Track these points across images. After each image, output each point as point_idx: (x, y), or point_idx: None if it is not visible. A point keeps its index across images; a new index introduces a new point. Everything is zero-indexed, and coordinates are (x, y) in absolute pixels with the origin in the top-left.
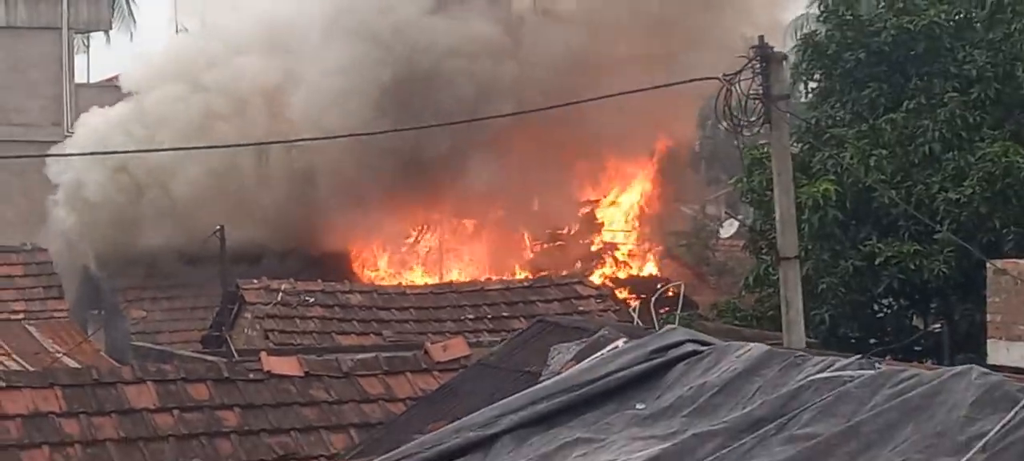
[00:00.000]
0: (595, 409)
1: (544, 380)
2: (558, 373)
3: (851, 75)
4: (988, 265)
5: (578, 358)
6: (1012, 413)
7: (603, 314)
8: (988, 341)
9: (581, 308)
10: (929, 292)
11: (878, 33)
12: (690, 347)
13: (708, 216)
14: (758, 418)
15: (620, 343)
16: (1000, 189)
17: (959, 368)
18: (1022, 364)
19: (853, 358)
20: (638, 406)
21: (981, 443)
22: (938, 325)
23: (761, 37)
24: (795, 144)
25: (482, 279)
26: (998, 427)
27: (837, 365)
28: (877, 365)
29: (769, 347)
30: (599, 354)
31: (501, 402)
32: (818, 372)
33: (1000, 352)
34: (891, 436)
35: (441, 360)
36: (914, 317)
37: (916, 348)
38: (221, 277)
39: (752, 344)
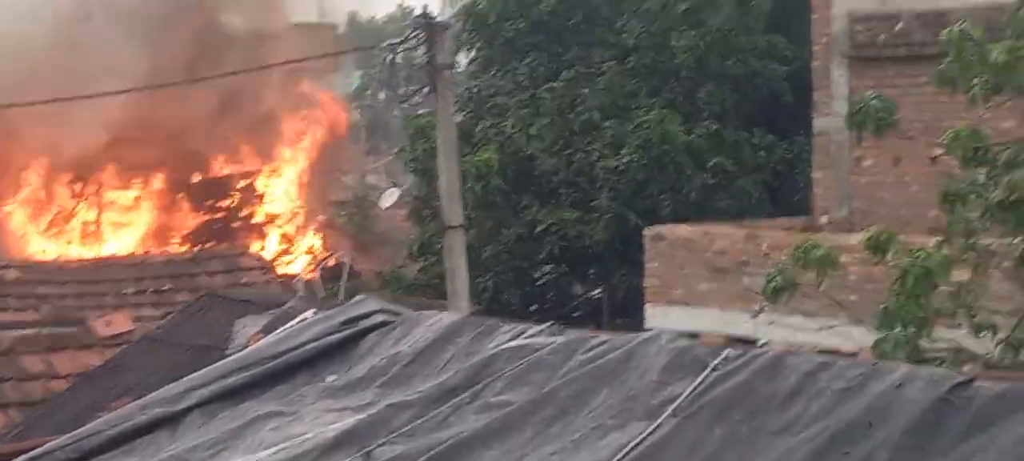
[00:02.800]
0: (286, 382)
1: (230, 354)
2: (245, 347)
3: (512, 45)
4: (645, 230)
5: (266, 331)
6: (702, 376)
7: (267, 286)
8: (646, 306)
9: (245, 280)
10: (589, 258)
11: (537, 3)
12: (381, 317)
13: (369, 185)
14: (452, 387)
15: (309, 314)
16: (656, 156)
17: (649, 333)
18: (677, 328)
19: (544, 326)
20: (329, 378)
21: (673, 406)
22: (598, 291)
23: (425, 7)
24: (458, 113)
25: (143, 252)
26: (689, 390)
27: (528, 332)
28: (568, 332)
29: (461, 315)
30: (288, 326)
31: (188, 377)
32: (510, 340)
33: (657, 316)
34: (584, 402)
35: (105, 335)
36: (574, 283)
37: (575, 314)
38: None
39: (444, 313)
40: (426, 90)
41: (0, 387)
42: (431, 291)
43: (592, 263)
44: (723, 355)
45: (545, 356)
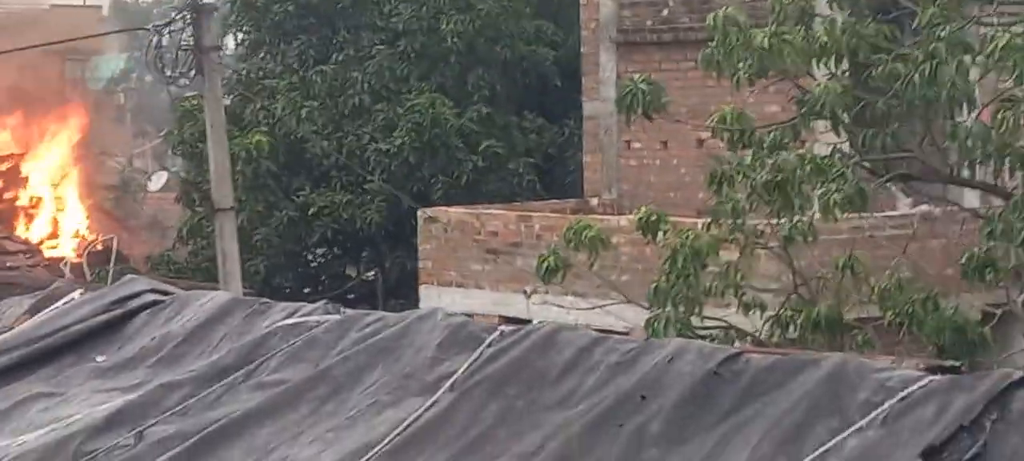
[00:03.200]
0: (53, 363)
1: None
2: (10, 328)
3: (281, 27)
4: (419, 213)
5: (32, 312)
6: (478, 352)
7: (33, 270)
8: (420, 287)
9: (9, 264)
10: (362, 241)
11: None
12: (151, 297)
13: (136, 169)
14: (225, 366)
15: (76, 295)
16: (428, 139)
17: (424, 310)
18: (451, 309)
19: (319, 304)
20: (98, 358)
21: (449, 382)
22: (371, 273)
23: None
24: (227, 96)
25: None
26: (465, 366)
27: (302, 311)
28: (342, 310)
29: (233, 295)
30: (54, 307)
31: None
32: (284, 318)
33: (432, 298)
34: (360, 379)
35: None
36: (348, 266)
37: (350, 296)
38: None
39: (216, 292)
40: (193, 73)
41: None
42: (202, 275)
43: (365, 246)
44: (498, 331)
45: (320, 334)
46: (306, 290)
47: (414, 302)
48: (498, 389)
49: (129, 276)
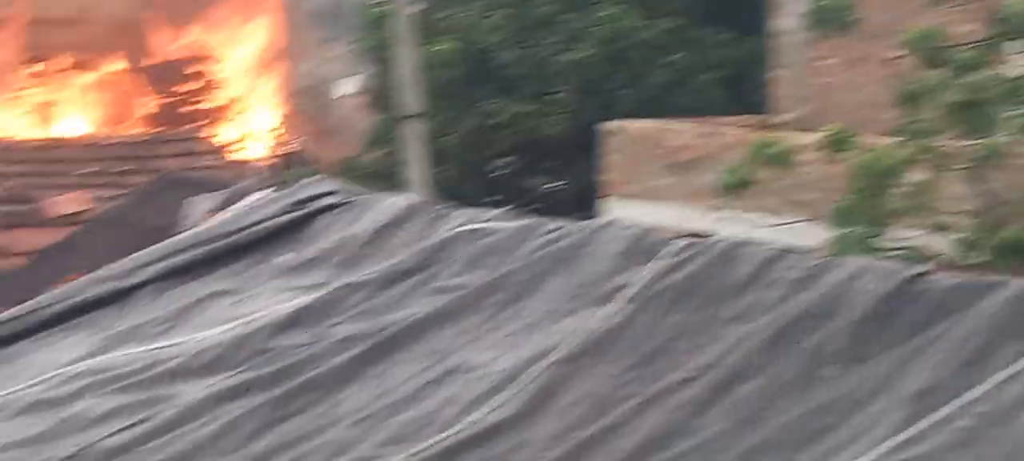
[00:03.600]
0: (239, 260)
1: (182, 232)
2: (197, 225)
3: None
4: (603, 126)
5: (218, 210)
6: (658, 263)
7: (223, 170)
8: (602, 200)
9: (201, 164)
10: (545, 152)
11: None
12: (335, 198)
13: (327, 74)
14: (405, 269)
15: (262, 194)
16: (616, 51)
17: (605, 220)
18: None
19: (500, 210)
20: (284, 257)
21: (628, 292)
22: (554, 185)
23: None
24: (416, 2)
25: (98, 134)
26: (644, 277)
27: (484, 217)
28: (523, 218)
29: (416, 199)
30: (241, 205)
31: (139, 253)
32: (465, 224)
33: (614, 211)
34: (538, 287)
35: (59, 214)
36: (530, 177)
37: (532, 208)
38: None
39: (399, 196)
40: None
41: None
42: (387, 180)
43: (548, 157)
44: (679, 243)
45: (500, 240)
46: (488, 200)
47: (597, 215)
48: (677, 301)
49: (315, 177)
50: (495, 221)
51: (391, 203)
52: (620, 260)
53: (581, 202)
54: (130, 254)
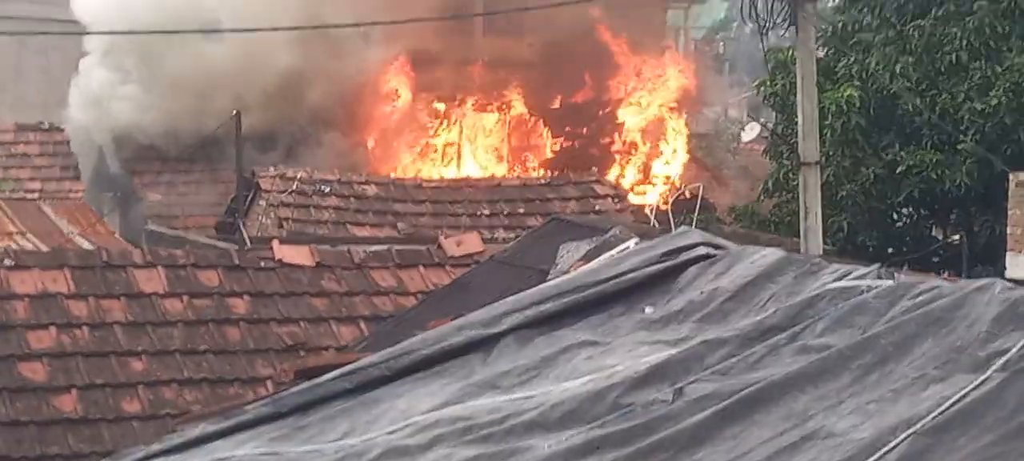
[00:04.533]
0: (602, 311)
1: (552, 279)
2: (566, 272)
3: None
4: (1011, 176)
5: (587, 258)
6: None
7: (619, 214)
8: (1007, 254)
9: (598, 208)
10: (950, 202)
11: None
12: (703, 250)
13: (730, 119)
14: (770, 326)
15: (631, 244)
16: None
17: (982, 281)
18: None
19: (871, 268)
20: (647, 309)
21: (1002, 360)
22: (957, 236)
23: None
24: (820, 48)
25: (500, 176)
26: (1020, 344)
27: (854, 274)
28: (896, 276)
29: (785, 253)
30: (609, 254)
31: (505, 300)
32: (834, 281)
33: (1020, 265)
34: (907, 350)
35: (454, 255)
36: (933, 228)
37: (934, 259)
38: (237, 163)
39: (767, 249)
40: (788, 23)
41: (351, 300)
42: (784, 229)
43: (953, 208)
44: None
45: (870, 299)
46: (890, 250)
47: (1000, 269)
48: None
49: (683, 228)
50: (866, 278)
51: (761, 257)
52: (995, 324)
53: (985, 255)
54: (507, 298)
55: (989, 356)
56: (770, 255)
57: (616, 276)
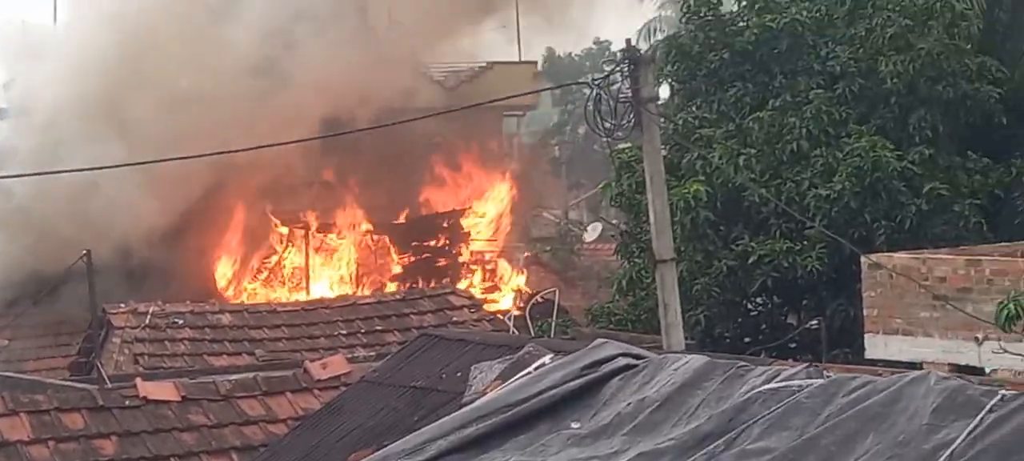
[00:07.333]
0: (528, 430)
1: (467, 401)
2: (483, 394)
3: (716, 75)
4: (863, 259)
5: (503, 377)
6: (978, 419)
7: (477, 324)
8: (866, 335)
9: (455, 319)
10: (803, 289)
11: (741, 32)
12: (623, 361)
13: (571, 221)
14: (705, 434)
15: (547, 360)
16: (869, 184)
17: (915, 373)
18: (899, 358)
19: (799, 367)
20: (573, 425)
21: (948, 452)
22: (814, 322)
23: (628, 40)
24: (663, 146)
25: (353, 294)
26: (964, 434)
27: (783, 375)
28: (825, 374)
29: (708, 358)
30: (526, 372)
31: (428, 427)
32: (764, 382)
33: (878, 346)
34: (851, 448)
35: (321, 378)
36: (788, 314)
37: (792, 345)
38: (90, 302)
39: (690, 355)
40: (630, 124)
41: (221, 432)
42: (642, 326)
43: (806, 294)
44: (999, 395)
45: (803, 399)
46: (747, 340)
47: (859, 350)
48: (1003, 460)
49: (599, 341)
50: (796, 378)
51: (684, 363)
52: (936, 416)
53: (842, 338)
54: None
55: (935, 448)
56: (693, 360)
57: (538, 394)
